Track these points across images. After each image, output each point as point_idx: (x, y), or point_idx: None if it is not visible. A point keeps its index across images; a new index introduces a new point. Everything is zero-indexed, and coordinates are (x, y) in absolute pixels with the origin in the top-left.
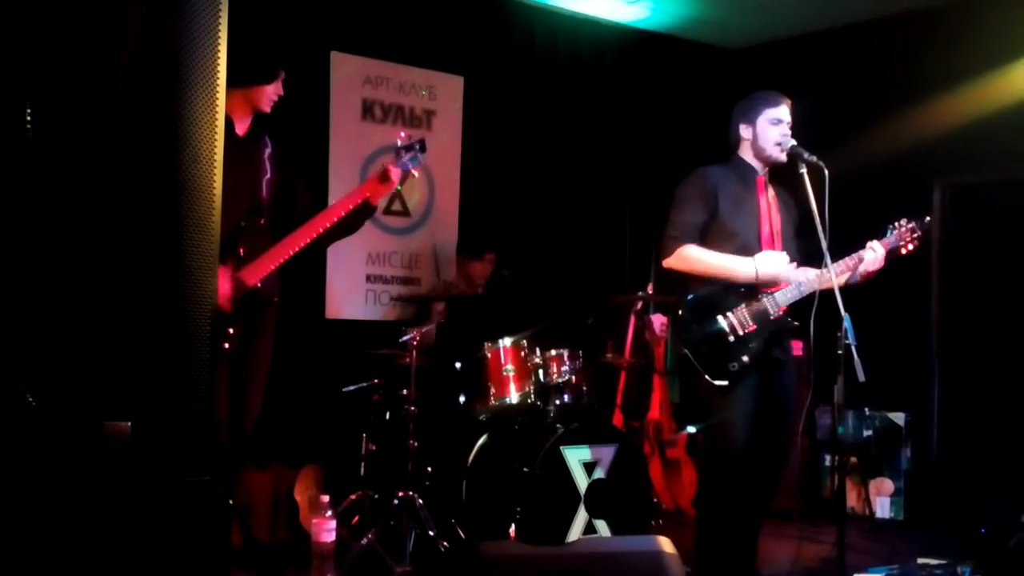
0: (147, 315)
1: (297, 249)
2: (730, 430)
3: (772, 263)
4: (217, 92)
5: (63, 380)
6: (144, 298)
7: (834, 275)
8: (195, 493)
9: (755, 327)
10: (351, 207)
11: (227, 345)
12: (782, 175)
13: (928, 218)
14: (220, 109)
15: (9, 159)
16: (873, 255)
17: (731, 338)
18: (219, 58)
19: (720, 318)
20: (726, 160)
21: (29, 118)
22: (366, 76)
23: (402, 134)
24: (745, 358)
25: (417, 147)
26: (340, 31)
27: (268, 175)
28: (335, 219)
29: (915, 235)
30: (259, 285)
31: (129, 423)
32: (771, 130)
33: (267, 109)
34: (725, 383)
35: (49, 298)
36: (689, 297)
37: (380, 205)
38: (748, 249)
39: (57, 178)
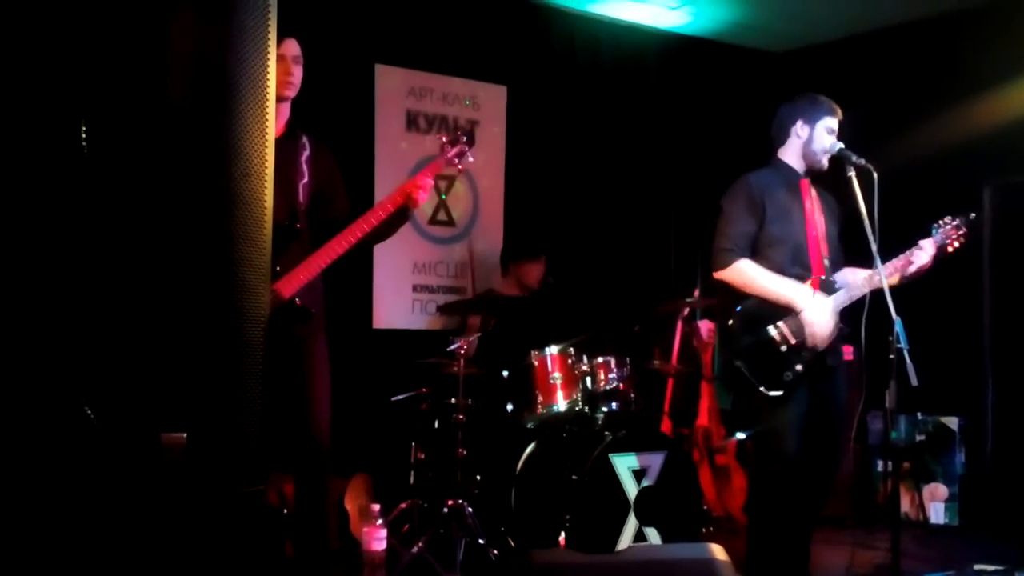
0: (201, 328)
1: (333, 259)
2: (782, 438)
3: (821, 315)
4: (267, 104)
5: (120, 393)
6: (198, 311)
7: (884, 278)
8: (250, 503)
9: (805, 337)
10: (390, 212)
11: None
12: (826, 177)
13: (973, 215)
14: (270, 122)
15: (66, 176)
16: (923, 254)
17: (783, 348)
18: (268, 70)
19: (771, 328)
20: (767, 163)
21: (84, 136)
22: (410, 88)
23: (443, 138)
24: (799, 366)
25: (464, 140)
26: (384, 44)
27: (305, 178)
28: (373, 225)
29: (960, 232)
30: (296, 297)
31: (184, 434)
32: (825, 137)
33: (286, 93)
34: (780, 393)
35: (105, 313)
36: (739, 308)
37: (424, 210)
38: (797, 254)
39: (112, 194)
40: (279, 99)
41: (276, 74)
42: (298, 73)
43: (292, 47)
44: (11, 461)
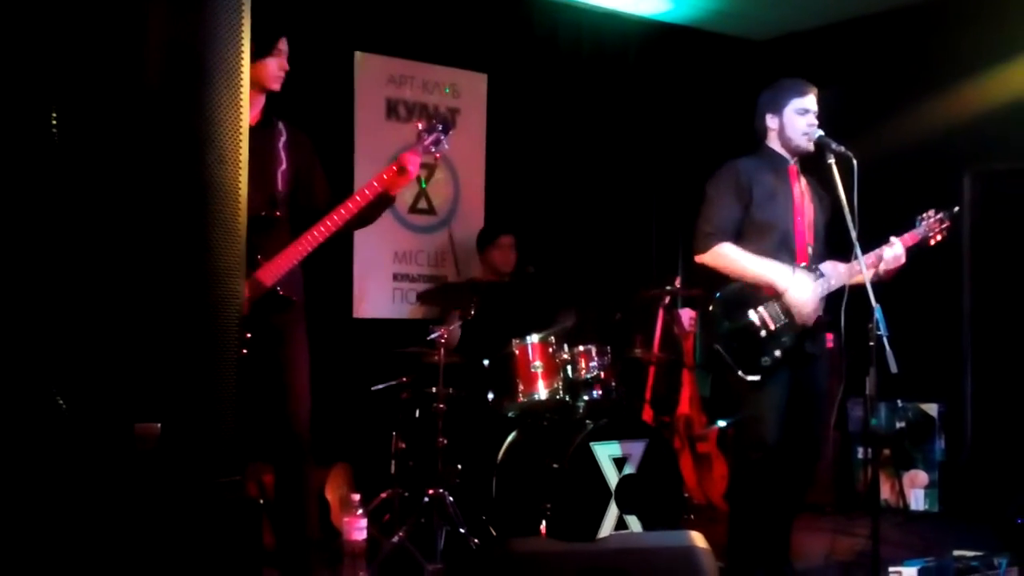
0: (175, 317)
1: (313, 246)
2: (761, 424)
3: (804, 291)
4: (241, 92)
5: (92, 383)
6: (171, 300)
7: (864, 267)
8: (225, 493)
9: (787, 321)
10: (371, 197)
11: (244, 350)
12: (811, 165)
13: (956, 208)
14: (245, 109)
15: (36, 163)
16: (892, 252)
17: (763, 332)
18: (243, 58)
19: (751, 312)
20: (756, 151)
21: (55, 122)
22: (390, 75)
23: (419, 124)
24: (777, 352)
25: (440, 128)
26: (363, 31)
27: (283, 165)
28: (353, 211)
29: (944, 225)
30: (278, 285)
31: (159, 424)
32: (798, 120)
33: (275, 86)
34: (757, 378)
35: (77, 301)
36: (719, 292)
37: (405, 199)
38: (785, 240)
39: (83, 181)
40: (268, 91)
41: (272, 68)
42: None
43: (284, 43)
44: None
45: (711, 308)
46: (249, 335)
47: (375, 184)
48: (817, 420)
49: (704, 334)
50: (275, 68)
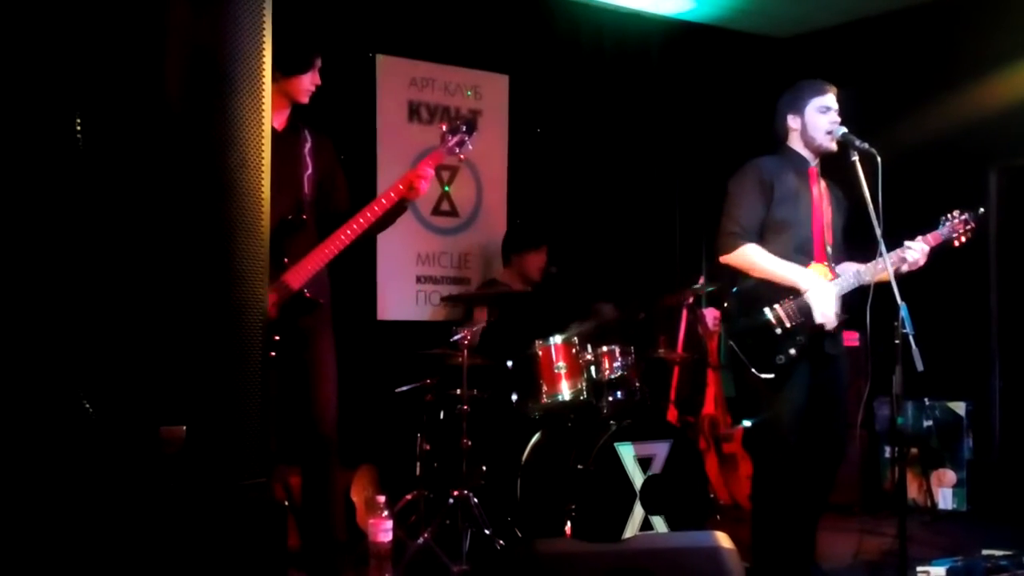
0: (199, 320)
1: (340, 249)
2: (780, 424)
3: (826, 296)
4: (263, 95)
5: (118, 387)
6: (195, 304)
7: (889, 265)
8: (250, 495)
9: (803, 320)
10: (387, 206)
11: (272, 353)
12: (832, 164)
13: (982, 209)
14: (266, 112)
15: (61, 170)
16: (912, 256)
17: (778, 330)
18: (264, 62)
19: (767, 310)
20: (777, 151)
21: (79, 128)
22: (411, 78)
23: (443, 126)
24: (792, 351)
25: (464, 129)
26: (384, 33)
27: (309, 170)
28: (372, 220)
29: (968, 227)
30: (304, 288)
31: (184, 427)
32: (820, 119)
33: (305, 100)
34: (771, 376)
35: (102, 305)
36: (736, 288)
37: (428, 201)
38: (803, 240)
39: (107, 186)
40: (297, 103)
41: (305, 83)
42: None
43: (318, 59)
44: (8, 456)
45: (726, 304)
46: (278, 337)
47: (388, 197)
48: (839, 420)
49: (724, 331)
50: (308, 83)
